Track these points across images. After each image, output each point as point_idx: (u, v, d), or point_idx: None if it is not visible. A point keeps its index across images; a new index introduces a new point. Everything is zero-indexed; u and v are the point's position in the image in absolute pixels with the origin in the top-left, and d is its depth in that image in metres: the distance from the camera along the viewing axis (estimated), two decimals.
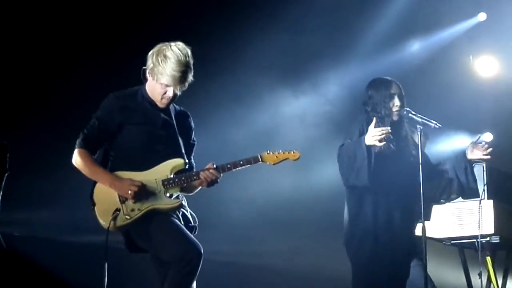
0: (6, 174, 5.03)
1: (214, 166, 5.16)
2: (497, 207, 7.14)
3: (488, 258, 7.12)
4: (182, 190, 5.21)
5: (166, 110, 5.27)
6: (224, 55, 8.98)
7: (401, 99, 5.90)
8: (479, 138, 6.02)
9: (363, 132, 5.79)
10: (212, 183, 5.18)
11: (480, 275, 6.72)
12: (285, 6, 9.14)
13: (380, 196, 5.80)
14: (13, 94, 8.09)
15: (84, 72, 8.09)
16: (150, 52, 5.19)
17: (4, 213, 7.95)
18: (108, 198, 5.05)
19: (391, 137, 5.67)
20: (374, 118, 5.58)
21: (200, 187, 5.28)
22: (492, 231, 7.07)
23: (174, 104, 5.34)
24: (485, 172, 7.22)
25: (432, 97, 9.19)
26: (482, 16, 10.00)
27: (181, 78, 5.10)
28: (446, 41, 9.86)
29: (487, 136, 10.08)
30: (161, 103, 5.21)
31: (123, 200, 5.03)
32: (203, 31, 8.52)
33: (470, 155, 5.97)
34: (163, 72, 5.09)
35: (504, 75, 9.84)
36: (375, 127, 5.54)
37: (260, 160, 5.23)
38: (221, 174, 5.18)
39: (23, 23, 8.07)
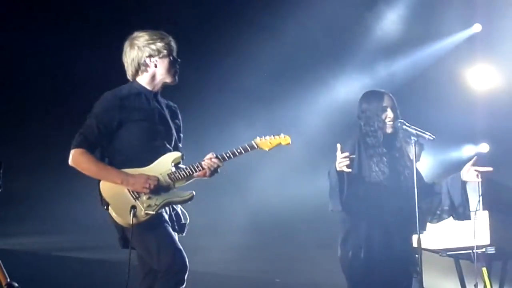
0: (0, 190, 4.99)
1: (215, 155, 5.20)
2: (493, 217, 7.16)
3: (484, 269, 7.13)
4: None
5: (159, 102, 5.30)
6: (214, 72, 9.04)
7: (394, 111, 5.89)
8: (475, 159, 5.95)
9: (355, 150, 5.80)
10: (214, 172, 5.22)
11: (476, 286, 6.71)
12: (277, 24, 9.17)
13: (374, 210, 5.79)
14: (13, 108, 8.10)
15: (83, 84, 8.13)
16: (137, 46, 5.24)
17: (4, 227, 8.03)
18: (119, 196, 5.01)
19: (353, 161, 5.66)
20: (338, 145, 5.56)
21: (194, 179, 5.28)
22: (488, 242, 7.09)
23: (162, 98, 5.37)
24: (480, 183, 7.24)
25: (427, 108, 9.21)
26: (476, 28, 10.04)
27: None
28: (441, 53, 9.89)
29: (484, 147, 10.11)
30: (174, 79, 5.29)
31: (136, 196, 5.00)
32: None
33: (465, 177, 5.94)
34: (164, 46, 5.25)
35: (499, 86, 9.87)
36: (342, 152, 5.53)
37: (255, 146, 5.30)
38: (222, 163, 5.22)
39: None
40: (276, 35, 9.18)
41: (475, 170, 5.86)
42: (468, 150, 10.08)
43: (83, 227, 8.27)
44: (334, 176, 5.62)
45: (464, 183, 5.92)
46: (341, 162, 5.50)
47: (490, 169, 5.89)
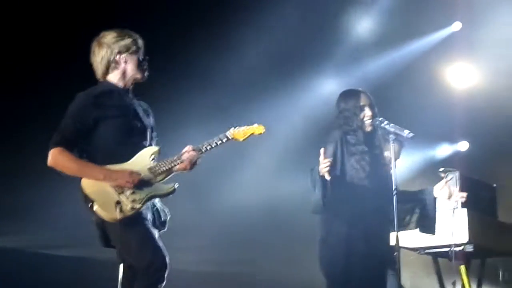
0: None
1: (192, 148, 5.23)
2: (471, 215, 7.18)
3: (462, 267, 7.14)
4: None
5: (132, 100, 5.31)
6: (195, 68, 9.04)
7: (372, 109, 5.88)
8: (451, 178, 6.01)
9: (337, 149, 5.78)
10: (193, 165, 5.24)
11: (454, 284, 6.73)
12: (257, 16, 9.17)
13: (355, 209, 5.77)
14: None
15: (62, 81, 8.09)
16: (106, 44, 5.26)
17: None
18: (103, 192, 5.00)
19: (336, 164, 5.66)
20: (322, 150, 5.54)
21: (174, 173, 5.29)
22: (466, 239, 7.10)
23: (134, 97, 5.38)
24: (458, 181, 7.26)
25: (406, 106, 9.22)
26: (456, 26, 10.07)
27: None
28: (421, 51, 9.91)
29: (463, 145, 10.14)
30: (144, 75, 5.31)
31: (120, 191, 5.00)
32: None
33: (438, 193, 5.98)
34: (133, 42, 5.28)
35: (478, 84, 9.90)
36: (324, 156, 5.52)
37: (230, 137, 5.32)
38: (201, 155, 5.24)
39: None
40: (258, 33, 9.19)
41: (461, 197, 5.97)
42: (447, 149, 10.11)
43: (68, 225, 8.24)
44: (316, 179, 5.60)
45: (435, 199, 5.97)
46: (324, 167, 5.49)
47: (464, 194, 5.95)
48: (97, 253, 7.82)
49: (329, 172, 5.49)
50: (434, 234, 6.08)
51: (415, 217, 5.96)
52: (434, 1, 9.79)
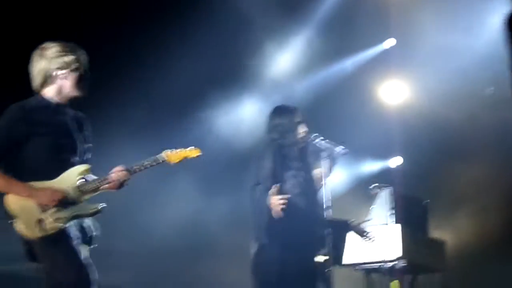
0: None
1: (123, 168, 5.11)
2: (405, 231, 7.24)
3: (396, 282, 7.19)
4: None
5: (66, 114, 5.18)
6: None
7: (306, 125, 5.91)
8: (366, 234, 6.16)
9: (275, 163, 5.78)
10: (122, 184, 5.11)
11: None
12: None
13: (289, 224, 5.76)
14: None
15: None
16: (46, 57, 5.10)
17: None
18: (27, 209, 4.90)
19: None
20: (274, 187, 5.57)
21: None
22: (400, 254, 7.15)
23: (71, 109, 5.25)
24: (392, 197, 7.33)
25: (340, 124, 9.25)
26: (389, 43, 10.17)
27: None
28: (353, 69, 9.98)
29: (396, 161, 10.23)
30: (82, 93, 5.15)
31: (43, 209, 4.90)
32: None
33: (351, 230, 6.16)
34: (75, 60, 5.11)
35: (412, 101, 10.00)
36: (273, 194, 5.54)
37: (165, 159, 5.17)
38: (131, 176, 5.11)
39: None
40: (189, 53, 9.17)
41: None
42: (379, 164, 10.18)
43: None
44: (264, 208, 5.59)
45: (346, 234, 6.16)
46: (278, 204, 5.51)
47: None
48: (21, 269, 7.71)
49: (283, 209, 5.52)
50: (340, 265, 6.20)
51: (327, 248, 5.95)
52: (366, 19, 9.85)
